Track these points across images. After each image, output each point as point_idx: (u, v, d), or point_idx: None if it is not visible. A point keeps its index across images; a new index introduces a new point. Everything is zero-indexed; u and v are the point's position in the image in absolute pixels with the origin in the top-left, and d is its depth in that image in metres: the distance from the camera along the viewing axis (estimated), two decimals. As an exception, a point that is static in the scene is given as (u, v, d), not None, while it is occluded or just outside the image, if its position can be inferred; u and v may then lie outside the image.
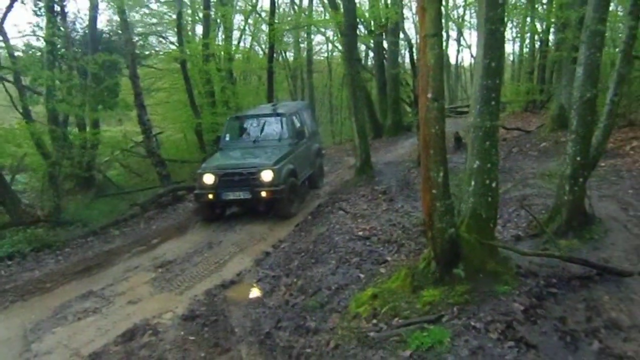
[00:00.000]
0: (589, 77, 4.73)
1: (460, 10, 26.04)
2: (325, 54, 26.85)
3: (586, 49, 4.73)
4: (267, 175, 7.80)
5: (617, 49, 6.82)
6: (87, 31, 13.10)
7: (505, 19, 4.35)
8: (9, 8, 10.48)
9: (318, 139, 10.98)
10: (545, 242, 4.92)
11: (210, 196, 7.99)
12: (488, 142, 4.30)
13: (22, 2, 11.31)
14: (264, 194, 7.82)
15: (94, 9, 12.86)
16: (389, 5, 17.01)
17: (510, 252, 4.49)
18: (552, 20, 12.80)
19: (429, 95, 4.05)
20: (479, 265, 4.22)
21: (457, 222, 4.32)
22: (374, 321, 4.03)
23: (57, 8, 12.43)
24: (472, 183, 4.38)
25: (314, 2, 22.63)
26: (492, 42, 4.20)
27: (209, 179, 7.98)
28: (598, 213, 5.21)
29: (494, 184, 4.37)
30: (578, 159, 4.85)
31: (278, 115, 9.32)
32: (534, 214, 5.23)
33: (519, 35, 20.15)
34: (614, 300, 3.74)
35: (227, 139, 9.32)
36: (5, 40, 10.09)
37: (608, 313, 3.58)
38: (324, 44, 25.14)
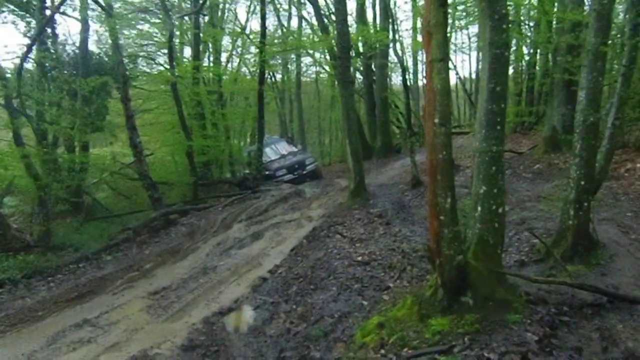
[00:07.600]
0: (592, 101, 4.75)
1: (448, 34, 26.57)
2: (314, 76, 27.05)
3: (588, 73, 4.75)
4: None
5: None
6: (77, 52, 12.97)
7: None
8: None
9: None
10: (551, 267, 4.87)
11: None
12: (494, 167, 4.26)
13: (14, 24, 11.16)
14: None
15: (85, 30, 12.77)
16: (378, 29, 17.30)
17: (517, 278, 4.42)
18: (541, 43, 13.01)
19: (436, 121, 4.03)
20: (488, 293, 4.13)
21: (464, 248, 4.25)
22: (382, 351, 3.92)
23: (48, 30, 12.35)
24: (479, 209, 4.31)
25: (303, 24, 22.95)
26: (497, 66, 4.19)
27: None
28: (600, 237, 5.18)
29: (500, 210, 4.31)
30: (582, 182, 4.83)
31: None
32: (541, 239, 5.17)
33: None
34: (628, 329, 3.66)
35: None
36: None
37: (624, 343, 3.50)
38: (312, 65, 25.37)
